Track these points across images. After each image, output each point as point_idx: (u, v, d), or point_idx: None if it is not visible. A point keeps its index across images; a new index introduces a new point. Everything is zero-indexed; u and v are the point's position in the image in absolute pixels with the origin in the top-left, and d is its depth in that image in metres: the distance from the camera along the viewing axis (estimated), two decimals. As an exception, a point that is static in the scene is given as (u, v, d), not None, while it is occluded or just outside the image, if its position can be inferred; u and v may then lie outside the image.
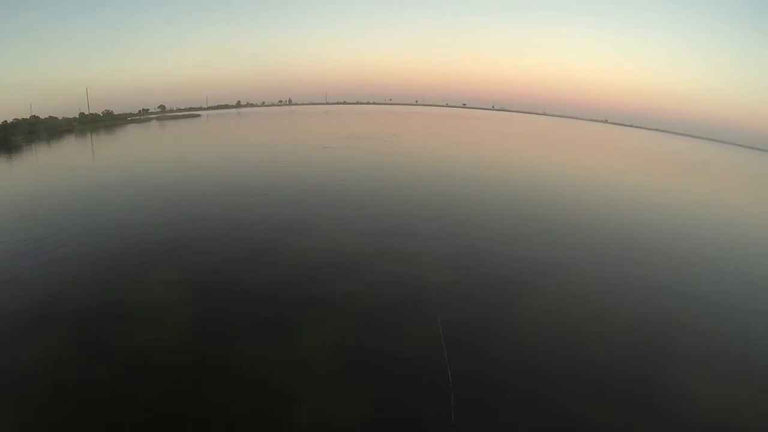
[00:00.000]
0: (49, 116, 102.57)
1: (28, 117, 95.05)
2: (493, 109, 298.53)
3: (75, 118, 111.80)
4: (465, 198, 28.66)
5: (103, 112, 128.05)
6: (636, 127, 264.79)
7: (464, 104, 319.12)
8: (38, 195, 28.76)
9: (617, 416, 9.01)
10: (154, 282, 14.63)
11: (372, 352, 10.79)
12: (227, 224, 21.38)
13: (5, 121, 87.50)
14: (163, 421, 8.53)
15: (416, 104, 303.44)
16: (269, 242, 18.87)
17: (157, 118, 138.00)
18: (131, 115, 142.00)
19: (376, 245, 18.62)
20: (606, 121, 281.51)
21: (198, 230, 20.20)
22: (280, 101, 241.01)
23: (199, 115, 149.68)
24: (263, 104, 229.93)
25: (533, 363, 10.57)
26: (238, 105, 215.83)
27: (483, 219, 23.73)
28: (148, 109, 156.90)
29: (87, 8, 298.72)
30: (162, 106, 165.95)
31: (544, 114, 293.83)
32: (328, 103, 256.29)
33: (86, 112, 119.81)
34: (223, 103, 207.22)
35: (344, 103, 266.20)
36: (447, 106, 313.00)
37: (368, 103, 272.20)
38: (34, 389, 9.21)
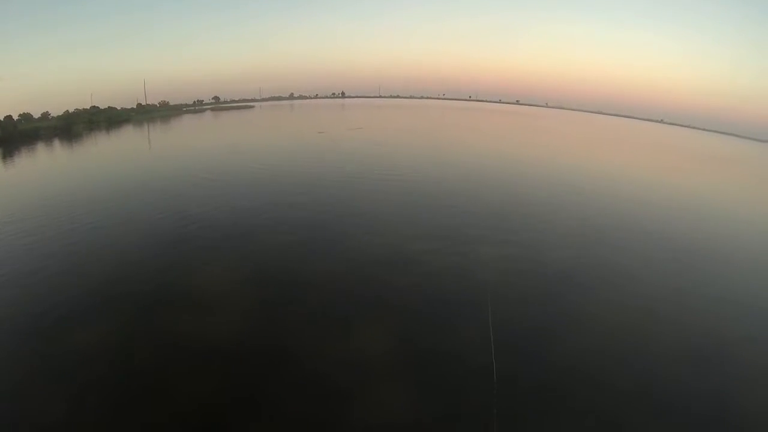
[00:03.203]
0: (108, 106, 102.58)
1: (88, 107, 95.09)
2: (546, 106, 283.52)
3: (133, 108, 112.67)
4: (541, 203, 26.28)
5: (159, 103, 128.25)
6: (692, 127, 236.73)
7: (517, 101, 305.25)
8: (100, 184, 29.21)
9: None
10: (212, 271, 14.70)
11: (426, 351, 10.59)
12: (286, 216, 21.05)
13: (67, 110, 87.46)
14: (214, 409, 8.42)
15: (470, 99, 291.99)
16: (336, 234, 18.60)
17: (212, 109, 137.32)
18: (186, 105, 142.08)
19: (433, 243, 17.87)
20: (662, 121, 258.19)
21: (256, 220, 20.17)
22: (333, 94, 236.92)
23: (252, 107, 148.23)
24: (316, 96, 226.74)
25: (590, 372, 10.06)
26: (291, 97, 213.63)
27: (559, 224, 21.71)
28: (202, 101, 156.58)
29: (146, 4, 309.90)
30: (216, 98, 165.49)
31: (599, 113, 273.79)
32: (381, 96, 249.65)
33: (143, 103, 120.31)
34: (276, 95, 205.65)
35: (397, 96, 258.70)
36: (500, 102, 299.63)
37: (422, 97, 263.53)
38: (93, 371, 9.41)
